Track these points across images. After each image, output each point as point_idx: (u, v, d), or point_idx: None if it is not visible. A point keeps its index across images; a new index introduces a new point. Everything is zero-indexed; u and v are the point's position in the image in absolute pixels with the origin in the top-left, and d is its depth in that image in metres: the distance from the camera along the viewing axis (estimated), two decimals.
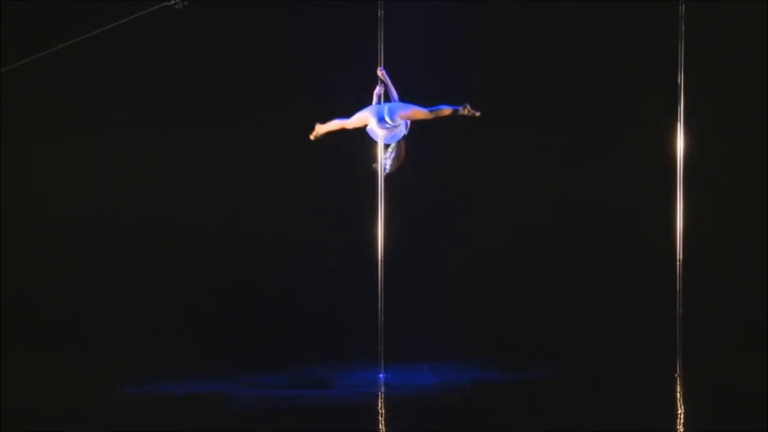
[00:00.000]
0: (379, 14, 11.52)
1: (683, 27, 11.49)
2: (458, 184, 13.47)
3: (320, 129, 10.89)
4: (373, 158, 11.24)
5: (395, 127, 10.68)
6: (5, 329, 12.63)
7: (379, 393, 11.11)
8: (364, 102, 11.00)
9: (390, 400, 10.85)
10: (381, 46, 11.45)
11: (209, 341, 12.79)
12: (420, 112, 10.63)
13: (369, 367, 11.68)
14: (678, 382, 11.38)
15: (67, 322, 12.94)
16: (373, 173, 11.38)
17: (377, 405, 10.71)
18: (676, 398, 10.92)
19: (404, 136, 10.84)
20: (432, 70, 12.92)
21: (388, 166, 10.99)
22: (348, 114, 10.85)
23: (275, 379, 11.54)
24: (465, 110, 10.62)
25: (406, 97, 10.99)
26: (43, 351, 12.47)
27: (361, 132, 10.94)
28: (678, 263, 11.59)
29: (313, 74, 13.11)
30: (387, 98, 10.94)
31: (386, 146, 10.98)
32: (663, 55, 11.92)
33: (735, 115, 13.01)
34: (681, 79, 11.55)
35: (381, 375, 11.57)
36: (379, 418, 10.32)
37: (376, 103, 10.87)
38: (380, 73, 10.90)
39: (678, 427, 9.75)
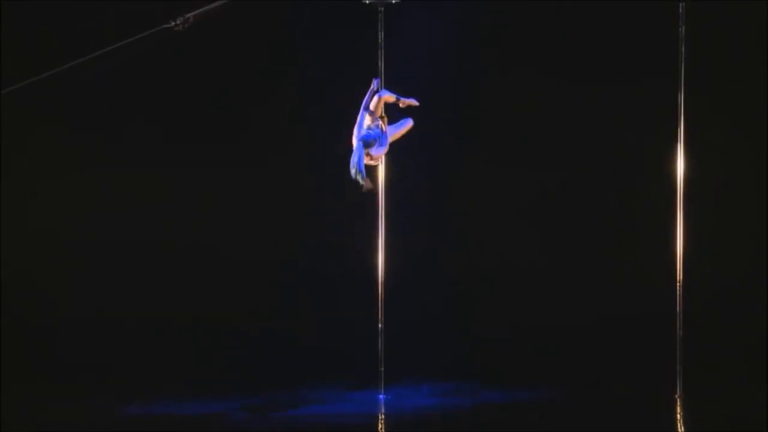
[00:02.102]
0: (379, 38, 11.53)
1: (683, 28, 11.44)
2: (458, 194, 13.47)
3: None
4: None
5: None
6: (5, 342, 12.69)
7: (379, 414, 11.10)
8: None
9: (390, 421, 10.84)
10: (381, 65, 11.48)
11: (206, 361, 12.77)
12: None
13: (369, 387, 11.67)
14: (678, 403, 11.38)
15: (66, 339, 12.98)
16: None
17: (377, 426, 10.70)
18: (677, 419, 10.92)
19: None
20: (431, 73, 12.95)
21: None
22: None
23: (273, 399, 11.52)
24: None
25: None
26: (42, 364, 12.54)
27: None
28: (678, 284, 11.58)
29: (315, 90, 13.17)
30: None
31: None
32: (663, 56, 11.91)
33: (735, 123, 13.00)
34: (682, 82, 11.50)
35: (381, 395, 11.56)
36: None
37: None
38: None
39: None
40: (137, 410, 11.06)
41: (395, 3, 11.42)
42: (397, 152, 11.19)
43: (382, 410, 11.19)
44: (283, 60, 13.28)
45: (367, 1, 11.46)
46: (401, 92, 10.79)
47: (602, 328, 12.94)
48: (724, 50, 12.88)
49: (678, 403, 11.34)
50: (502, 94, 13.18)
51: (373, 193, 10.90)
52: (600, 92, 13.08)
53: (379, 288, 11.69)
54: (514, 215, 13.36)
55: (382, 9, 11.36)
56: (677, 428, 10.60)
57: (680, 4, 11.43)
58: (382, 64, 11.34)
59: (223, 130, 13.32)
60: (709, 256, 12.57)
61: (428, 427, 10.71)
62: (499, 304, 13.20)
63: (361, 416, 10.94)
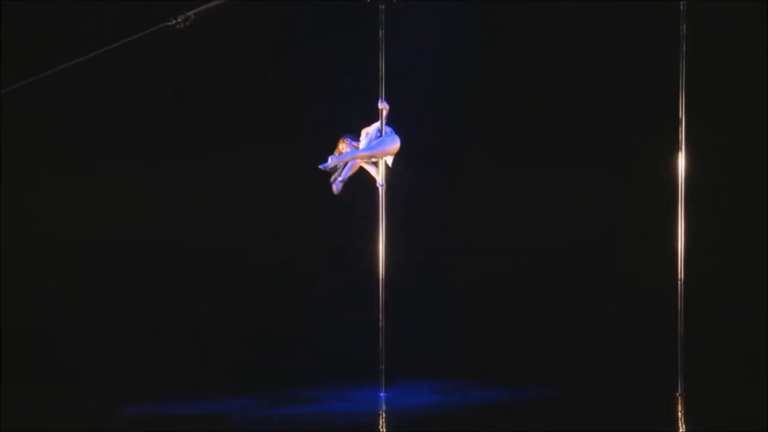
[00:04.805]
0: (380, 37, 11.53)
1: (684, 27, 11.43)
2: (459, 193, 13.48)
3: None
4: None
5: None
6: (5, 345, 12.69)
7: (380, 412, 11.10)
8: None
9: (390, 420, 10.84)
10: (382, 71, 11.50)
11: (206, 361, 12.77)
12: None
13: (369, 386, 11.67)
14: (679, 401, 11.38)
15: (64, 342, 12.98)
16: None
17: (378, 425, 10.70)
18: (677, 418, 10.92)
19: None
20: (431, 73, 12.96)
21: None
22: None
23: (273, 399, 11.51)
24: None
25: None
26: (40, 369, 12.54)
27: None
28: (679, 283, 11.58)
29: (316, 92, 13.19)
30: None
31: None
32: (664, 56, 11.92)
33: (735, 123, 13.01)
34: (683, 82, 11.49)
35: (381, 394, 11.55)
36: None
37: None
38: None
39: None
40: (137, 410, 11.05)
41: (396, 2, 11.41)
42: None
43: (383, 409, 11.19)
44: (283, 60, 13.28)
45: (368, 0, 11.46)
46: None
47: (603, 328, 12.96)
48: (724, 50, 12.89)
49: (678, 402, 11.33)
50: (502, 94, 13.20)
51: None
52: (600, 92, 13.08)
53: (380, 287, 11.68)
54: (514, 214, 13.37)
55: (383, 8, 11.36)
56: (677, 428, 10.59)
57: (681, 3, 11.42)
58: (382, 64, 11.34)
59: (223, 130, 13.34)
60: (710, 255, 12.58)
61: (428, 426, 10.69)
62: (500, 303, 13.21)
63: (361, 415, 10.94)
